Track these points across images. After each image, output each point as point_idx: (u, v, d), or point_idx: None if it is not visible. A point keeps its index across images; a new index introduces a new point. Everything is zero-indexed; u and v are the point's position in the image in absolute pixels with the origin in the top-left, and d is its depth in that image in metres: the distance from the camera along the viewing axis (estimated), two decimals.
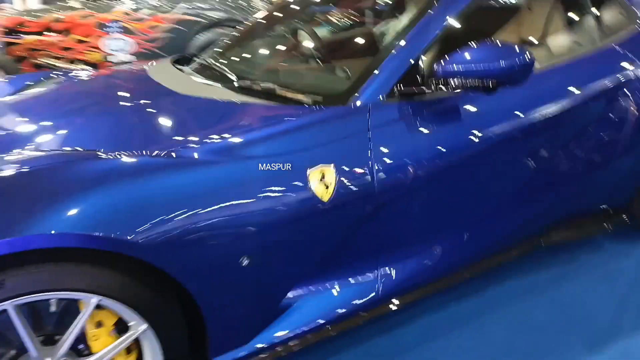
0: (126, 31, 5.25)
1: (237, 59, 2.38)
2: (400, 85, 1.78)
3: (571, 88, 2.06)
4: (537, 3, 2.51)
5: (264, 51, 2.53)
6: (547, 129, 1.99)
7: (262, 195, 1.49)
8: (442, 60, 1.73)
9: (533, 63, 1.72)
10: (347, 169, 1.61)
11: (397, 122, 1.74)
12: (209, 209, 1.41)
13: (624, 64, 2.22)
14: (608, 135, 2.22)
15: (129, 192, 1.36)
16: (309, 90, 1.88)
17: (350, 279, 1.75)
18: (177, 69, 2.39)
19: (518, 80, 1.73)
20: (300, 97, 1.84)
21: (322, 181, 1.56)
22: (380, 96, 1.76)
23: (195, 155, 1.51)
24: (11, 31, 5.53)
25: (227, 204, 1.44)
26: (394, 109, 1.76)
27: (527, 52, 1.71)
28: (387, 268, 1.81)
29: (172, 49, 4.96)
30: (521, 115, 1.92)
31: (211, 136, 1.59)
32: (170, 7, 5.28)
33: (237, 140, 1.58)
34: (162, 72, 2.31)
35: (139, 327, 1.43)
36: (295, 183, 1.53)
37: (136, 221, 1.33)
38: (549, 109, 1.98)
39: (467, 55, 1.70)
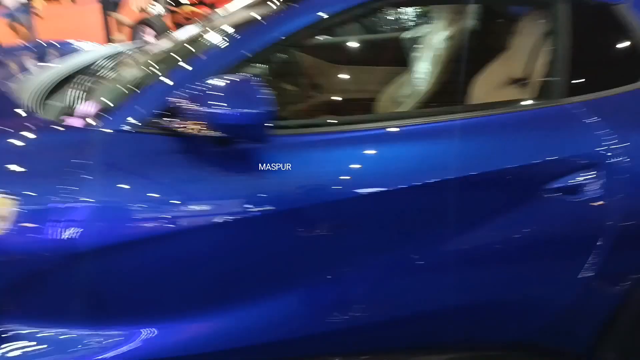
0: None
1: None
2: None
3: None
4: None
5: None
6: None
7: None
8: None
9: (266, 117, 1.18)
10: (35, 202, 1.33)
11: (136, 157, 1.38)
12: None
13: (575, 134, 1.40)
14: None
15: None
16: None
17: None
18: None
19: (252, 137, 1.21)
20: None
21: None
22: (134, 123, 1.40)
23: None
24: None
25: None
26: (144, 141, 1.39)
27: (265, 102, 1.18)
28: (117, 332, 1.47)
29: None
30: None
31: None
32: None
33: None
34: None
35: None
36: None
37: None
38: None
39: (192, 89, 1.25)
